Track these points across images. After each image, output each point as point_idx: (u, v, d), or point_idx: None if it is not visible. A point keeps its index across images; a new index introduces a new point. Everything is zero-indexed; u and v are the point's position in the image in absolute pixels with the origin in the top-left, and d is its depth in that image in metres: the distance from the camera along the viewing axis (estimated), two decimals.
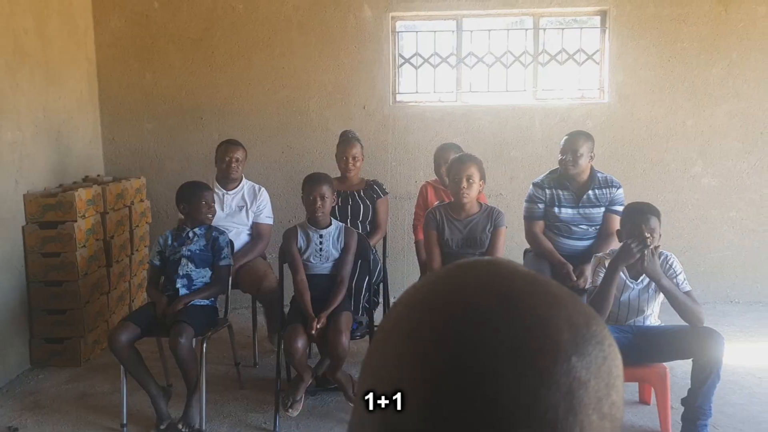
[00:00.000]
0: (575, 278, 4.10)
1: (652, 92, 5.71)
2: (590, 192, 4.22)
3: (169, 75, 5.79)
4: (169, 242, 3.94)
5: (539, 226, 4.35)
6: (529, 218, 4.39)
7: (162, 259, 3.95)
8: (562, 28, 5.90)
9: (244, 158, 4.66)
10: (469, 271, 0.58)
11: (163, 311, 3.70)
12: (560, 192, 4.28)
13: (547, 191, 4.31)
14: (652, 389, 3.67)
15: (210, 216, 3.99)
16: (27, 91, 4.65)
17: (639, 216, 3.42)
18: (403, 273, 5.71)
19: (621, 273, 3.45)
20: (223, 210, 4.52)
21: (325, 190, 3.80)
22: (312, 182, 3.84)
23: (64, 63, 5.23)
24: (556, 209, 4.29)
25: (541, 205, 4.33)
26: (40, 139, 4.82)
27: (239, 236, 4.52)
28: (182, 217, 4.04)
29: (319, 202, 3.77)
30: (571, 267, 4.16)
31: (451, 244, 3.92)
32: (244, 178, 4.73)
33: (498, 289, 0.55)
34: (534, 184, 4.39)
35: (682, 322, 3.39)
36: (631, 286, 3.51)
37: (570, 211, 4.26)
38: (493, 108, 5.77)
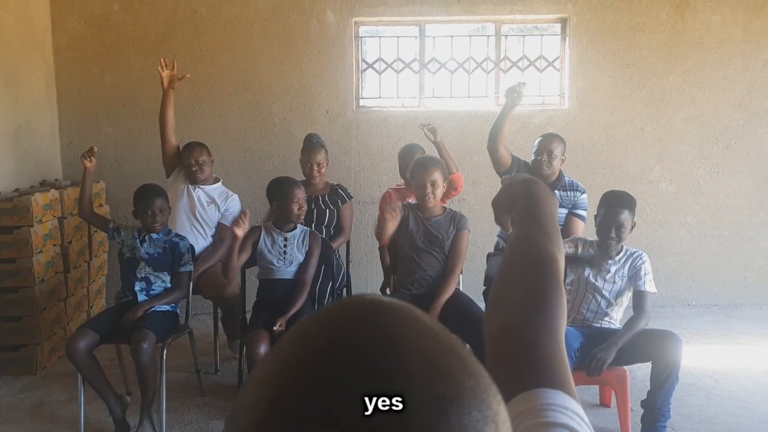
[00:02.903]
0: None
1: (612, 99, 5.80)
2: (556, 192, 4.26)
3: (129, 78, 5.71)
4: (135, 236, 3.86)
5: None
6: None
7: (117, 239, 3.95)
8: (524, 35, 5.95)
9: (209, 159, 4.59)
10: (329, 331, 0.48)
11: (124, 318, 3.64)
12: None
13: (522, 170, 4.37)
14: (613, 392, 3.72)
15: (156, 226, 3.82)
16: None
17: (610, 209, 3.53)
18: (367, 278, 5.70)
19: (589, 274, 3.55)
20: (190, 204, 4.47)
21: (303, 194, 3.89)
22: (292, 187, 3.86)
23: (21, 65, 5.12)
24: None
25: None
26: None
27: (201, 234, 4.48)
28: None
29: (302, 206, 3.84)
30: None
31: (415, 236, 3.93)
32: (221, 181, 4.71)
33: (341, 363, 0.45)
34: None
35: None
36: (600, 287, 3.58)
37: None
38: (456, 113, 5.80)
